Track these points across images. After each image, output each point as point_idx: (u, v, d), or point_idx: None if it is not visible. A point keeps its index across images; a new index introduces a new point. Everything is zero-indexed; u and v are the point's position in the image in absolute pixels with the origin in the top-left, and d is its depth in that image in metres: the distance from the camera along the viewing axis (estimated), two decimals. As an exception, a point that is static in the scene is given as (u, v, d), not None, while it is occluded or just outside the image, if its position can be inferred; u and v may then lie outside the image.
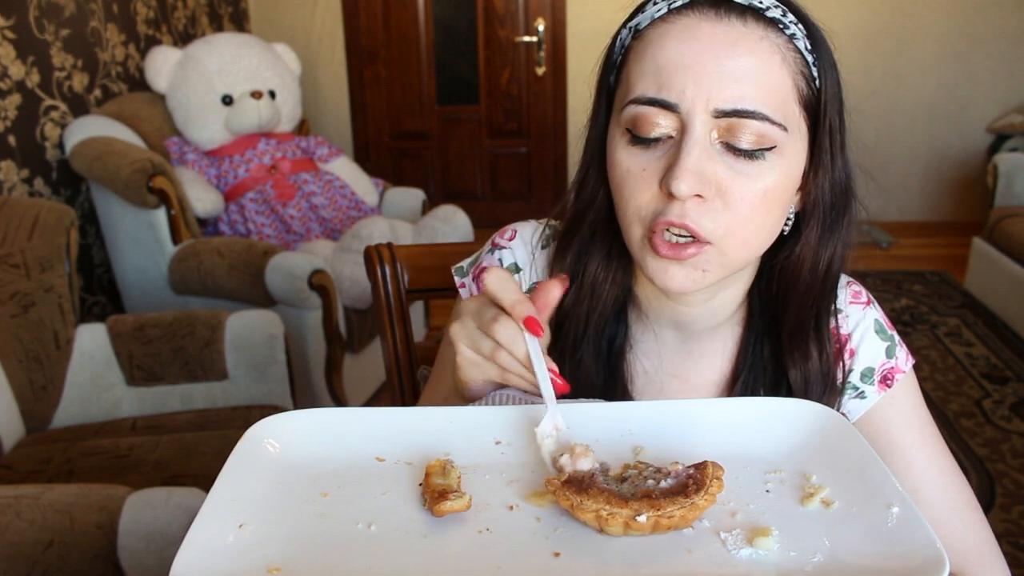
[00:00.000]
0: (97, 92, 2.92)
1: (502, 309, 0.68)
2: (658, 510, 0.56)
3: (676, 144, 0.70)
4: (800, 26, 0.72)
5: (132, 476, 1.73)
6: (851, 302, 0.86)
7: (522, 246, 0.91)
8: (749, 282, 0.84)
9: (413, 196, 3.36)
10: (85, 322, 2.20)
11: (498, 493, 0.63)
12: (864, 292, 0.88)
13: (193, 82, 2.94)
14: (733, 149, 0.70)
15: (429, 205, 3.34)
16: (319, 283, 2.45)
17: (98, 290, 2.88)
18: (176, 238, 2.60)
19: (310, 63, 4.40)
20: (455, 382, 0.76)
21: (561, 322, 0.85)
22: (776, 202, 0.73)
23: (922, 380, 3.00)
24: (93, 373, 2.07)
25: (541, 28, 4.44)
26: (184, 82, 2.94)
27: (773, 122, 0.69)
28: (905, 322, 3.51)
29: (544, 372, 0.66)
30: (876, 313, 0.87)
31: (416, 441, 0.68)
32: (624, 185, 0.74)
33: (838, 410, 0.82)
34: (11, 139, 2.47)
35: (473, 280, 0.92)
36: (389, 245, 1.15)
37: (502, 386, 0.75)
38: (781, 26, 0.71)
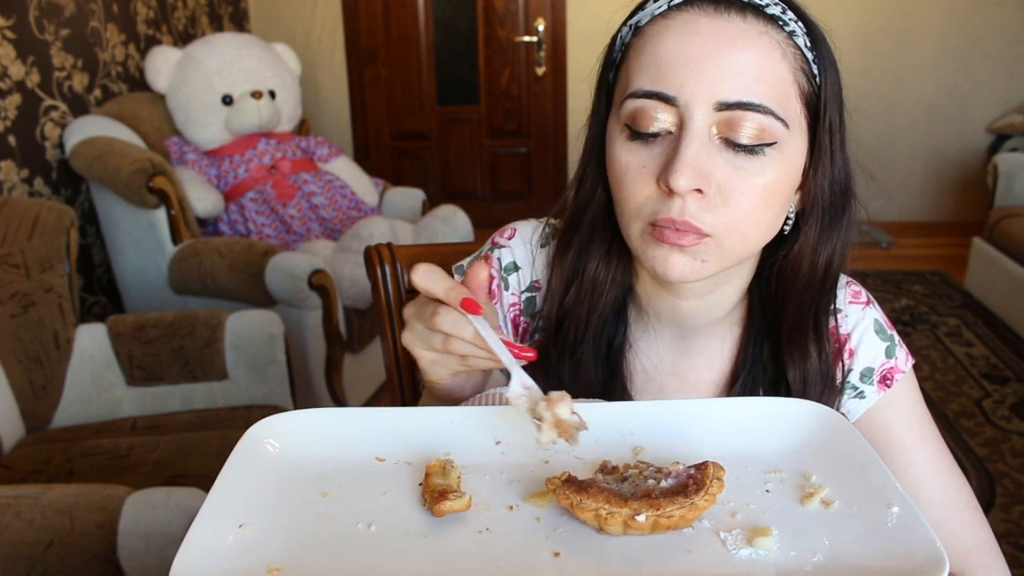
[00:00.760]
0: (97, 92, 2.92)
1: (439, 301, 0.68)
2: (657, 510, 0.56)
3: (675, 139, 0.70)
4: (800, 24, 0.72)
5: (132, 476, 1.73)
6: (851, 302, 0.86)
7: (521, 245, 0.91)
8: (748, 279, 0.84)
9: (413, 196, 3.36)
10: (85, 322, 2.20)
11: (498, 493, 0.63)
12: (864, 292, 0.88)
13: (193, 82, 2.93)
14: (733, 144, 0.70)
15: (429, 205, 3.34)
16: (319, 283, 2.45)
17: (98, 290, 2.88)
18: (176, 238, 2.60)
19: (310, 63, 4.40)
20: (429, 388, 0.76)
21: (561, 321, 0.85)
22: (776, 198, 0.73)
23: (922, 380, 3.00)
24: (93, 373, 2.07)
25: (541, 28, 4.44)
26: (184, 82, 2.94)
27: (776, 116, 0.69)
28: (905, 322, 3.51)
29: (497, 342, 0.66)
30: (876, 313, 0.87)
31: (416, 441, 0.68)
32: (623, 182, 0.73)
33: (837, 410, 0.82)
34: (11, 139, 2.47)
35: None
36: (389, 245, 1.15)
37: (480, 384, 0.75)
38: (781, 23, 0.71)
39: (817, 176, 0.76)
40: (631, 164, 0.72)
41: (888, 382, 0.85)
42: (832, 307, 0.84)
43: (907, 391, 0.86)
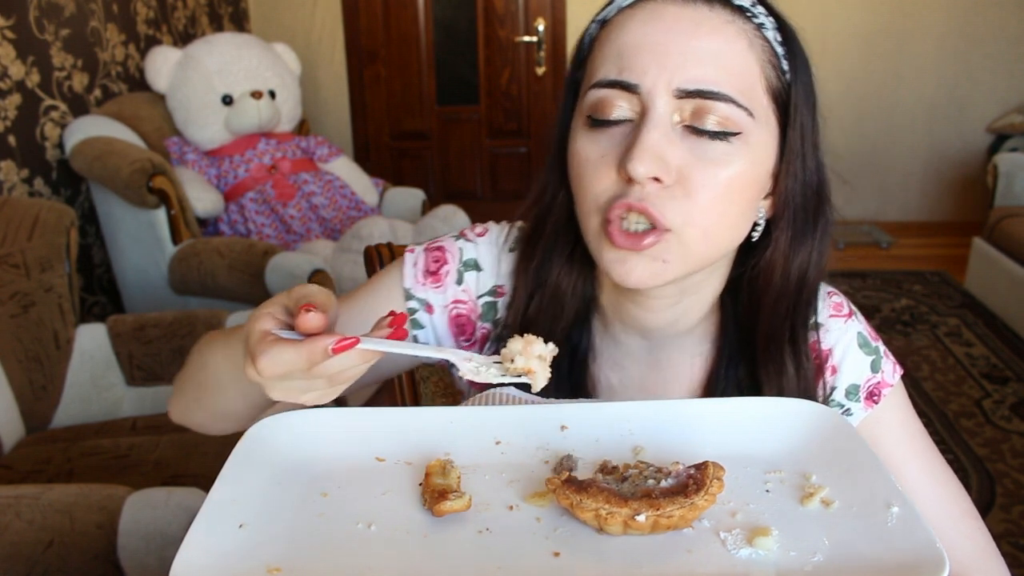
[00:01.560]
0: (97, 92, 2.92)
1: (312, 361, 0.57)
2: (657, 510, 0.56)
3: (635, 126, 0.68)
4: (770, 18, 0.71)
5: (132, 476, 1.73)
6: (832, 315, 0.83)
7: (488, 246, 0.87)
8: (718, 290, 0.80)
9: (413, 196, 3.36)
10: (85, 322, 2.20)
11: (498, 493, 0.63)
12: (845, 303, 0.85)
13: (193, 82, 2.93)
14: (695, 131, 0.67)
15: (429, 205, 3.35)
16: (319, 283, 2.44)
17: (98, 290, 2.87)
18: (176, 238, 2.60)
19: (310, 63, 4.40)
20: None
21: (525, 332, 0.83)
22: (740, 194, 0.70)
23: (922, 380, 3.00)
24: (93, 373, 2.07)
25: (541, 28, 4.44)
26: (184, 82, 2.94)
27: (739, 105, 0.67)
28: (905, 322, 3.51)
29: (401, 345, 0.60)
30: (859, 325, 0.84)
31: (416, 441, 0.68)
32: (583, 174, 0.71)
33: None
34: (11, 139, 2.47)
35: (424, 251, 0.88)
36: (389, 245, 1.14)
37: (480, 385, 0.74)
38: (749, 14, 0.70)
39: (788, 179, 0.73)
40: (591, 155, 0.70)
41: (876, 397, 0.82)
42: (813, 320, 0.81)
43: (895, 404, 0.83)
